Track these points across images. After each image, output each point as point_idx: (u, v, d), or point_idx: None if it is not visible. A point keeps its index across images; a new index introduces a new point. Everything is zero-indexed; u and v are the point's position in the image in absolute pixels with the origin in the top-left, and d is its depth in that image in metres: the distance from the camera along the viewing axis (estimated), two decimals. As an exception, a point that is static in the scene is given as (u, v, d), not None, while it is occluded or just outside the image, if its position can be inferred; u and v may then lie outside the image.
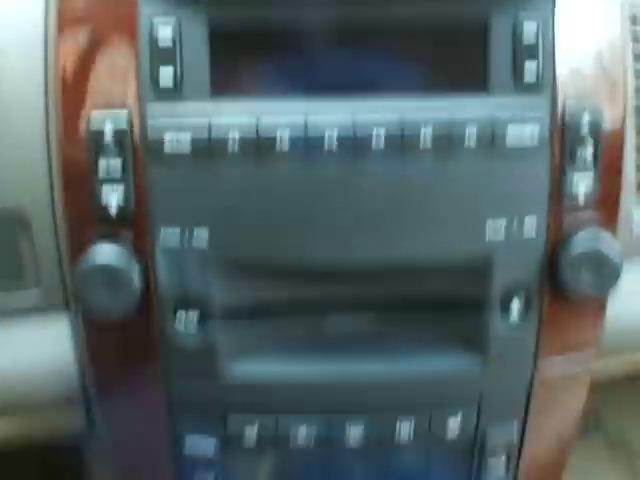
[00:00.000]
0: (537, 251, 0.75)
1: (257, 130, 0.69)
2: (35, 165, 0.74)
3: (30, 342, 0.79)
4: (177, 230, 0.71)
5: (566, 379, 0.81)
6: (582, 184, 0.74)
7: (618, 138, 0.75)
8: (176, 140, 0.69)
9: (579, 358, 0.81)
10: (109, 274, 0.70)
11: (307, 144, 0.69)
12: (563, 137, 0.73)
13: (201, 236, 0.71)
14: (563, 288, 0.75)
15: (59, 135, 0.72)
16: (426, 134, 0.70)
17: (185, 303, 0.73)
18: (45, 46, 0.73)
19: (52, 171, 0.74)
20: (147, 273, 0.73)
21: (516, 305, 0.76)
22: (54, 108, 0.73)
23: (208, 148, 0.69)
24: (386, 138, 0.69)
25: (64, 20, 0.71)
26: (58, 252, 0.76)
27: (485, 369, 0.77)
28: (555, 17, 0.73)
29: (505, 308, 0.76)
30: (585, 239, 0.74)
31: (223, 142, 0.69)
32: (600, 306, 0.79)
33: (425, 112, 0.70)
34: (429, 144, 0.70)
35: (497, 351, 0.77)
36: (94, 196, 0.71)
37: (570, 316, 0.78)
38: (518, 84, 0.72)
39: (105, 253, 0.71)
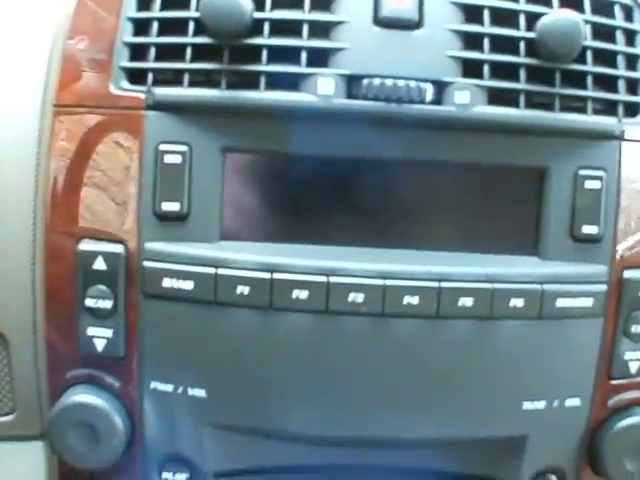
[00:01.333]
0: (577, 432, 0.66)
1: (271, 288, 0.60)
2: (19, 287, 0.65)
3: (2, 470, 0.71)
4: (169, 387, 0.62)
5: None
6: (636, 360, 0.65)
7: None
8: (176, 288, 0.60)
9: None
10: (90, 420, 0.62)
11: (327, 308, 0.60)
12: (618, 308, 0.64)
13: (197, 397, 0.62)
14: (602, 473, 0.66)
15: (44, 261, 0.63)
16: (465, 304, 0.60)
17: (173, 463, 0.65)
18: (37, 160, 0.64)
19: (36, 296, 0.65)
20: (133, 423, 0.64)
21: (547, 488, 0.67)
22: (41, 228, 0.64)
23: (212, 301, 0.60)
24: (419, 305, 0.60)
25: (58, 135, 0.62)
26: (37, 380, 0.67)
27: None
28: (622, 171, 0.63)
29: (535, 491, 0.67)
30: (634, 421, 0.65)
31: (230, 296, 0.60)
32: None
33: (466, 280, 0.60)
34: (466, 315, 0.61)
35: None
36: (79, 333, 0.62)
37: None
38: (573, 248, 0.63)
39: (87, 397, 0.62)
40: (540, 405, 0.63)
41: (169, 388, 0.62)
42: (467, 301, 0.60)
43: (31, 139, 0.64)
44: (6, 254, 0.65)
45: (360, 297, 0.60)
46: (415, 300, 0.60)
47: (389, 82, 0.59)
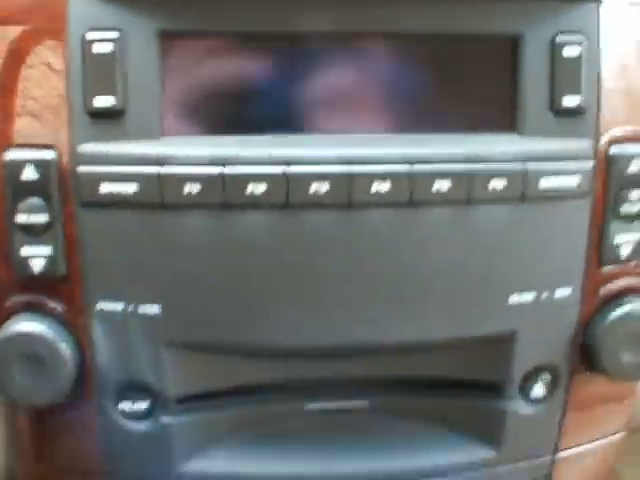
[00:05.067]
0: (568, 325, 0.61)
1: (224, 183, 0.53)
2: None
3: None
4: (119, 306, 0.56)
5: (587, 467, 0.68)
6: (627, 243, 0.60)
7: None
8: (117, 192, 0.54)
9: (607, 443, 0.68)
10: (33, 351, 0.56)
11: (286, 202, 0.54)
12: (606, 188, 0.59)
13: (150, 314, 0.56)
14: (597, 368, 0.61)
15: None
16: (440, 188, 0.55)
17: (131, 391, 0.59)
18: None
19: None
20: (83, 351, 0.57)
21: (539, 387, 0.63)
22: None
23: (158, 203, 0.54)
24: (389, 193, 0.54)
25: None
26: None
27: (499, 461, 0.63)
28: (601, 36, 0.57)
29: (526, 390, 0.62)
30: (628, 309, 0.60)
31: (178, 196, 0.54)
32: (636, 384, 0.66)
33: (441, 161, 0.55)
34: (443, 200, 0.55)
35: (514, 440, 0.63)
36: (13, 255, 0.56)
37: (600, 398, 0.65)
38: (555, 122, 0.57)
39: (28, 325, 0.56)
40: (528, 297, 0.58)
41: (118, 307, 0.56)
42: (443, 184, 0.54)
43: None
44: None
45: (324, 186, 0.53)
46: (385, 186, 0.54)
47: None
